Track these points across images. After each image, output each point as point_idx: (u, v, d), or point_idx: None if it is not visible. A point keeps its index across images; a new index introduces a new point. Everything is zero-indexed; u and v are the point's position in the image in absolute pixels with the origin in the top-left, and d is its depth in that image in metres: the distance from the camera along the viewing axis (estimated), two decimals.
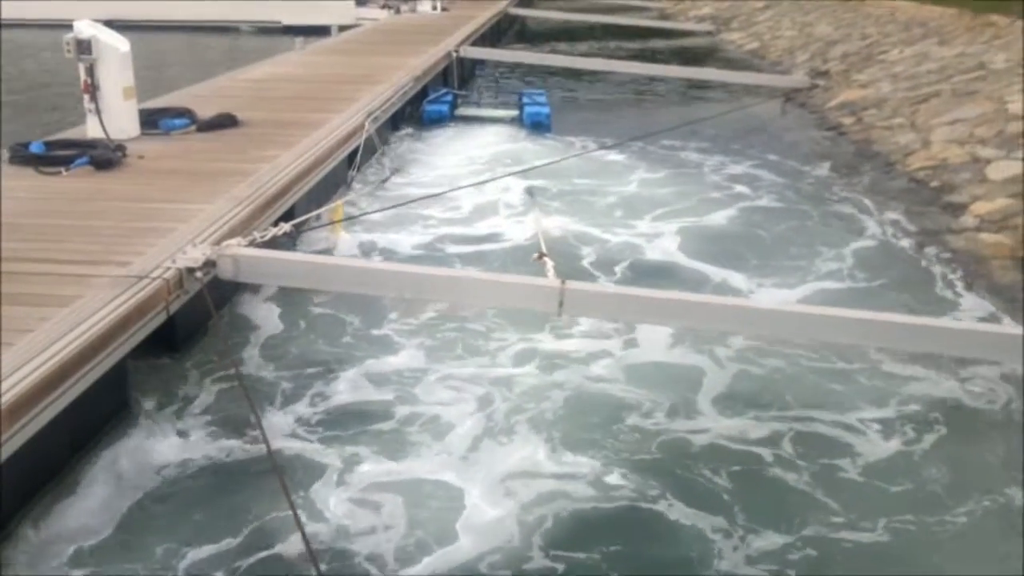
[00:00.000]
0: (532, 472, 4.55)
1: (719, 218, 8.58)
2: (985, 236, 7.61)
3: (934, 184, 9.05)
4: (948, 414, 5.13)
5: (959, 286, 6.89)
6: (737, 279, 7.06)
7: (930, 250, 7.60)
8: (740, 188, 9.64)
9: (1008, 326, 5.75)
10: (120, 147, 7.40)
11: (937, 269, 7.23)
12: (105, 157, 7.13)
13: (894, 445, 4.84)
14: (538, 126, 12.07)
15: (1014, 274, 6.91)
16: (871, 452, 4.78)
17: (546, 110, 12.38)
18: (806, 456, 4.73)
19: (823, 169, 10.36)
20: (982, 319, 6.30)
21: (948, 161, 9.39)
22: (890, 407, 5.19)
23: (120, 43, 7.86)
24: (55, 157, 7.07)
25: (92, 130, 7.87)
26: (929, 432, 4.95)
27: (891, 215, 8.53)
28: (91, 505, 4.16)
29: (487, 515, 4.21)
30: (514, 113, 12.81)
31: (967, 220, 8.00)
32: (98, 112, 7.80)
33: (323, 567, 3.74)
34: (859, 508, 4.31)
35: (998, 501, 4.38)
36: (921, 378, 5.50)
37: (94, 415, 4.55)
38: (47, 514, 4.06)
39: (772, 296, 6.73)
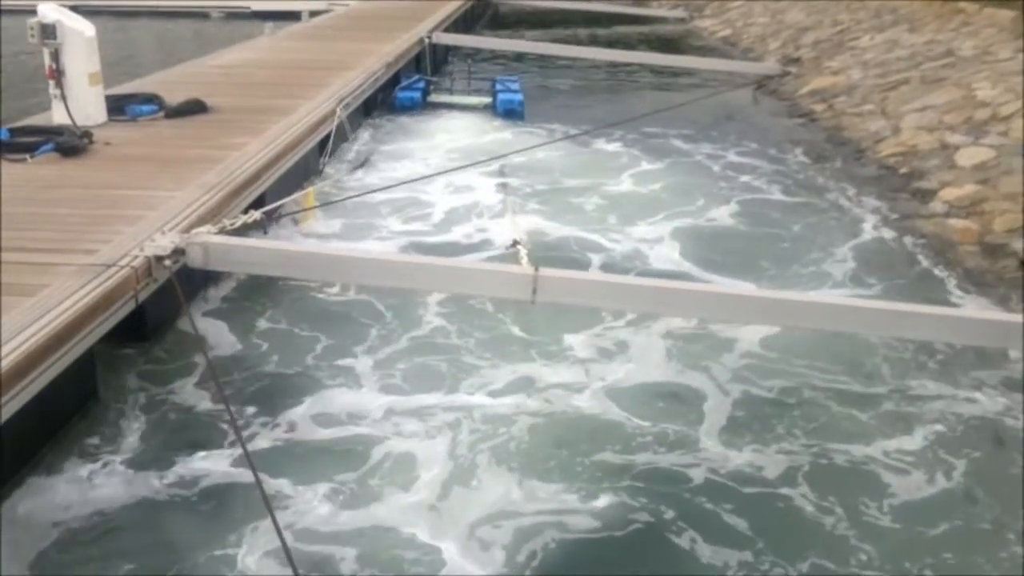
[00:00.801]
0: (514, 514, 4.11)
1: (690, 203, 8.59)
2: (954, 222, 7.68)
3: (904, 170, 9.13)
4: (980, 436, 4.79)
5: (928, 271, 6.97)
6: (710, 266, 7.09)
7: (900, 236, 7.68)
8: (713, 175, 9.68)
9: (1008, 313, 5.71)
10: (86, 133, 7.29)
11: (907, 255, 7.31)
12: (71, 144, 7.01)
13: (926, 476, 4.44)
14: (511, 113, 12.03)
15: (981, 259, 6.99)
16: (902, 486, 4.37)
17: (519, 97, 12.34)
18: (826, 492, 4.29)
19: (794, 156, 10.41)
20: (951, 304, 6.39)
21: (917, 148, 9.47)
22: (916, 432, 4.80)
23: (85, 28, 7.72)
24: (20, 144, 6.94)
25: (58, 116, 7.74)
26: (962, 457, 4.59)
27: (862, 202, 8.60)
28: (58, 498, 4.13)
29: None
30: (487, 100, 12.76)
31: (936, 206, 8.08)
32: (64, 98, 7.67)
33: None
34: (894, 552, 3.93)
35: None
36: (945, 396, 5.19)
37: (62, 405, 4.49)
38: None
39: (748, 283, 6.76)
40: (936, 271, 6.96)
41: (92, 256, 4.90)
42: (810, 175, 9.64)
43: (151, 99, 8.53)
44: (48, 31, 7.49)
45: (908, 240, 7.57)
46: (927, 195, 8.36)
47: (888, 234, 7.77)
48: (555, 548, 3.95)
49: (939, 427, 4.87)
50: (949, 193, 8.18)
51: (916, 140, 9.66)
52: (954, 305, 6.36)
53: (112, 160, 6.96)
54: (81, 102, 7.75)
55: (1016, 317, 5.26)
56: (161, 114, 8.35)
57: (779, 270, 7.05)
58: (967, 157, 8.72)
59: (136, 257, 4.89)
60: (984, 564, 3.89)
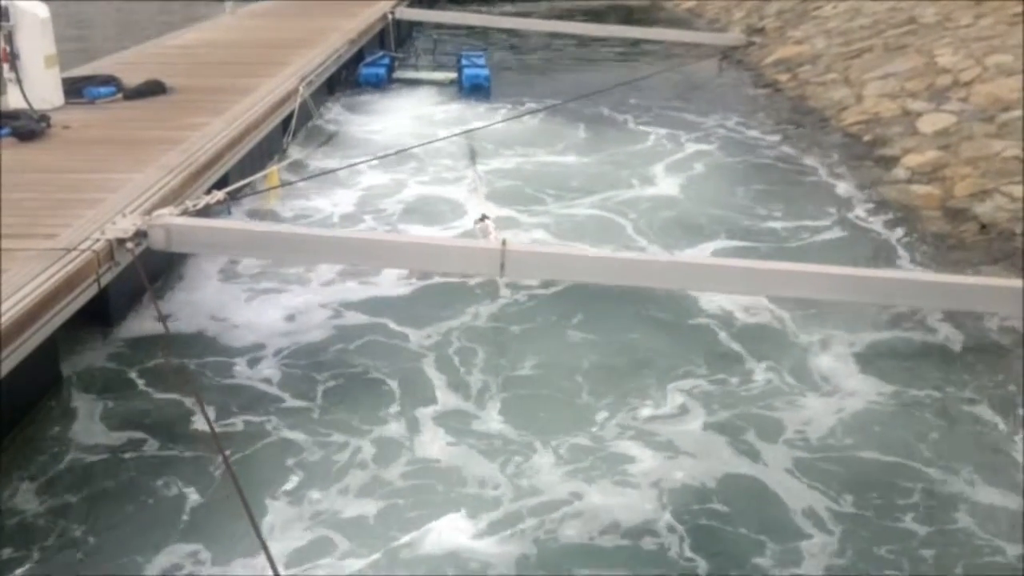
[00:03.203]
0: None
1: (658, 175, 8.62)
2: (916, 188, 7.77)
3: (867, 138, 9.19)
4: None
5: (892, 237, 7.04)
6: (679, 236, 7.13)
7: (864, 204, 7.74)
8: (678, 145, 9.68)
9: (1007, 279, 5.70)
10: (44, 117, 7.17)
11: (871, 222, 7.37)
12: (28, 128, 6.89)
13: None
14: (477, 88, 11.98)
15: (943, 224, 7.08)
16: None
17: (485, 72, 12.29)
18: None
19: (759, 126, 10.45)
20: (916, 269, 6.47)
21: (880, 115, 9.54)
22: None
23: (39, 9, 7.57)
24: None
25: (13, 100, 7.58)
26: None
27: (826, 171, 8.66)
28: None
29: None
30: (453, 75, 12.69)
31: (899, 172, 8.15)
32: (19, 81, 7.52)
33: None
34: None
35: None
36: None
37: (25, 391, 4.44)
38: None
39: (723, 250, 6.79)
40: (900, 237, 7.03)
41: (52, 240, 4.83)
42: (775, 145, 9.69)
43: (109, 81, 8.40)
44: (0, 13, 7.33)
45: (872, 207, 7.64)
46: (890, 162, 8.44)
47: (852, 202, 7.84)
48: None
49: None
50: (911, 159, 8.26)
51: (879, 108, 9.73)
52: (904, 269, 6.44)
53: (70, 143, 6.86)
54: (37, 85, 7.60)
55: (1016, 282, 5.32)
56: (119, 96, 8.22)
57: (750, 238, 7.09)
58: (929, 123, 8.79)
59: (97, 240, 4.83)
60: None
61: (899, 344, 5.47)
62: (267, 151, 8.33)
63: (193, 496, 4.03)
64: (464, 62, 12.82)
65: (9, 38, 7.44)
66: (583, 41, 16.10)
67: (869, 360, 5.23)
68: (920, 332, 5.53)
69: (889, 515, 3.94)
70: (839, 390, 4.93)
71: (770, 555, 3.71)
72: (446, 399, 4.83)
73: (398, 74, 12.91)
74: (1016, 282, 5.34)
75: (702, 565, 3.65)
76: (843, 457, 4.34)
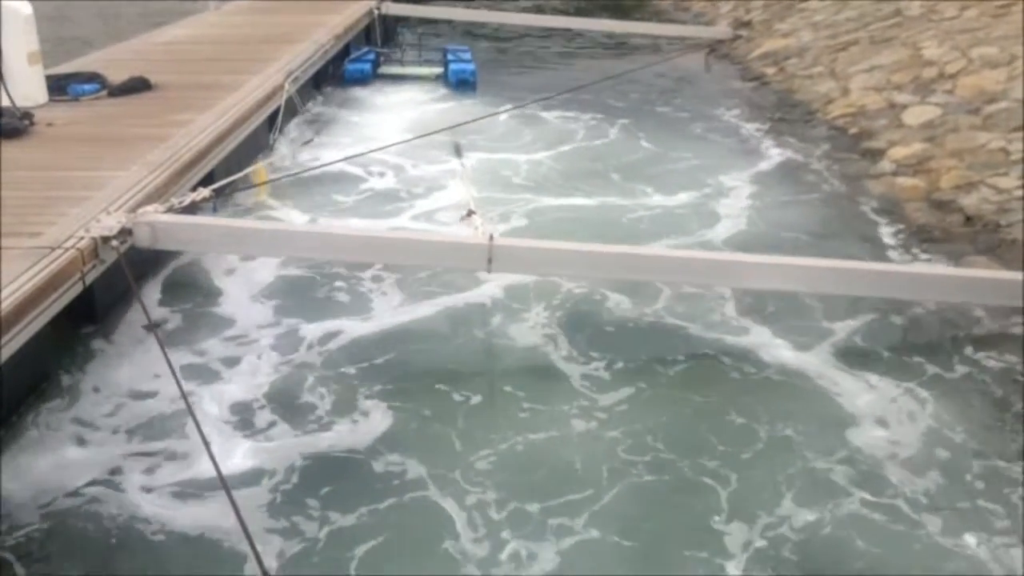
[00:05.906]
0: None
1: (647, 165, 8.64)
2: (902, 180, 7.80)
3: (853, 131, 9.22)
4: None
5: (878, 230, 7.07)
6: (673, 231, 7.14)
7: (851, 196, 7.77)
8: (665, 136, 9.70)
9: (1006, 271, 5.70)
10: (27, 115, 7.13)
11: (858, 215, 7.40)
12: (12, 126, 6.86)
13: None
14: (464, 84, 11.97)
15: (928, 216, 7.11)
16: None
17: (471, 67, 12.27)
18: None
19: (746, 119, 10.47)
20: (903, 261, 6.49)
21: (866, 108, 9.57)
22: None
23: (22, 6, 7.52)
24: None
25: None
26: None
27: (812, 163, 8.69)
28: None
29: None
30: (439, 71, 12.67)
31: (885, 165, 8.18)
32: (2, 79, 7.47)
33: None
34: None
35: None
36: None
37: (14, 388, 4.43)
38: None
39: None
40: (885, 229, 7.05)
41: (37, 239, 4.81)
42: (761, 138, 9.71)
43: (93, 78, 8.34)
44: None
45: (858, 200, 7.67)
46: (876, 155, 8.46)
47: (838, 195, 7.86)
48: None
49: None
50: (897, 152, 8.29)
51: (865, 100, 9.76)
52: (900, 262, 6.46)
53: (55, 141, 6.82)
54: (20, 83, 7.54)
55: (1015, 274, 5.34)
56: (104, 93, 8.17)
57: (739, 232, 7.10)
58: (914, 116, 8.83)
59: (82, 238, 4.81)
60: None
61: None
62: (253, 147, 8.30)
63: (181, 497, 4.03)
64: (450, 57, 12.80)
65: None
66: (570, 35, 16.09)
67: None
68: None
69: None
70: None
71: None
72: None
73: (384, 69, 12.88)
74: (1016, 274, 5.35)
75: None
76: None
